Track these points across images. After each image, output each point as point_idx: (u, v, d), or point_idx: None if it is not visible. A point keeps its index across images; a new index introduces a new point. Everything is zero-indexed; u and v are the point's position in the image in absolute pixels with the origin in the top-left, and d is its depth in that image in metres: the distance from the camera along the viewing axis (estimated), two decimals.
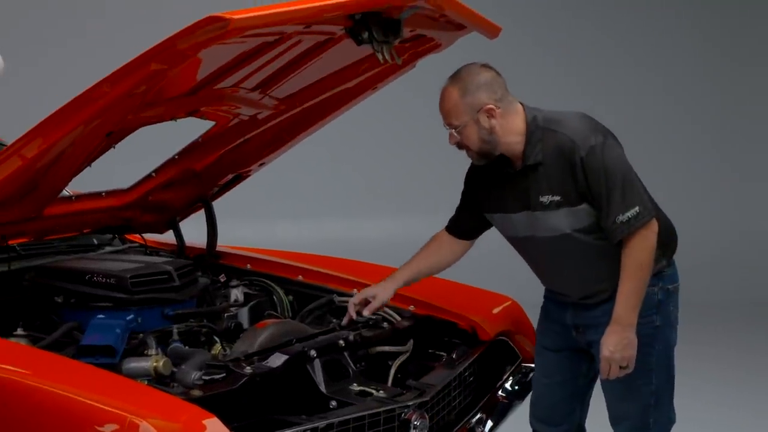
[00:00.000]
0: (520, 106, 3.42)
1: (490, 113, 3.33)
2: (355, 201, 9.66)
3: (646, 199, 3.36)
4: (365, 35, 3.18)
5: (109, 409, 2.62)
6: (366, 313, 3.66)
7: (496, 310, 4.06)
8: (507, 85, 3.41)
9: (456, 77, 3.37)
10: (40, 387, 2.76)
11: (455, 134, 3.37)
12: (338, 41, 3.36)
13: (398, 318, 3.81)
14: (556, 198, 3.34)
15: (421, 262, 3.74)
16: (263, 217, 9.47)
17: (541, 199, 3.36)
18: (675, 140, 10.64)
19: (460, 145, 3.41)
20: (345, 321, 3.69)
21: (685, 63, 10.69)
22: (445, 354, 3.79)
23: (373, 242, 8.71)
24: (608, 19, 10.57)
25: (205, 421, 2.60)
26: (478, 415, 3.76)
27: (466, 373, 3.71)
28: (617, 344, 3.32)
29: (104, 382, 2.82)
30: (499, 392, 3.93)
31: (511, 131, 3.37)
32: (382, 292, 3.69)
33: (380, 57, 3.25)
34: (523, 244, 3.53)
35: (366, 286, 4.06)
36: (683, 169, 10.59)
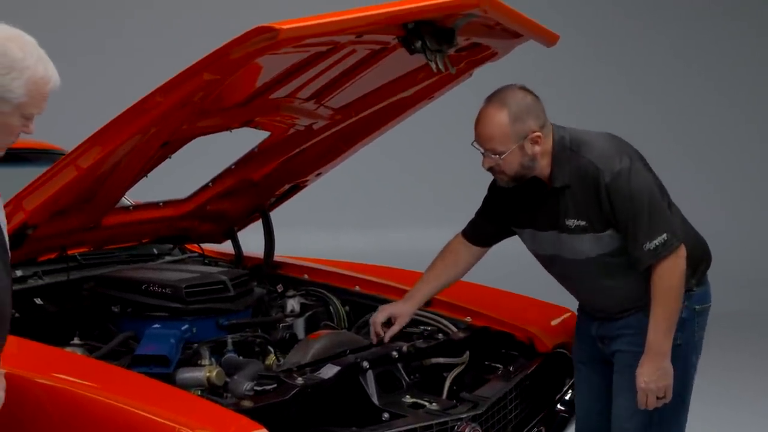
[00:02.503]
0: (551, 125, 3.34)
1: (536, 140, 3.24)
2: (421, 211, 9.65)
3: (674, 224, 3.27)
4: (418, 44, 3.15)
5: (159, 419, 2.62)
6: (387, 337, 3.59)
7: (554, 322, 4.00)
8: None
9: (501, 101, 3.24)
10: (92, 397, 2.77)
11: (497, 159, 3.25)
12: (392, 51, 3.34)
13: (454, 329, 3.78)
14: (582, 223, 3.27)
15: (441, 275, 3.68)
16: (328, 227, 9.50)
17: (568, 222, 3.30)
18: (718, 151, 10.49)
19: (494, 170, 3.31)
20: (374, 340, 3.62)
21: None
22: (501, 366, 3.74)
23: (436, 253, 8.63)
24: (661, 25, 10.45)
25: None
26: (536, 429, 3.70)
27: (523, 386, 3.66)
28: (652, 374, 3.25)
29: (155, 392, 2.83)
30: (558, 405, 3.86)
31: (545, 153, 3.29)
32: (405, 312, 3.64)
33: (433, 66, 3.22)
34: (548, 261, 3.47)
35: None
36: (724, 179, 10.43)
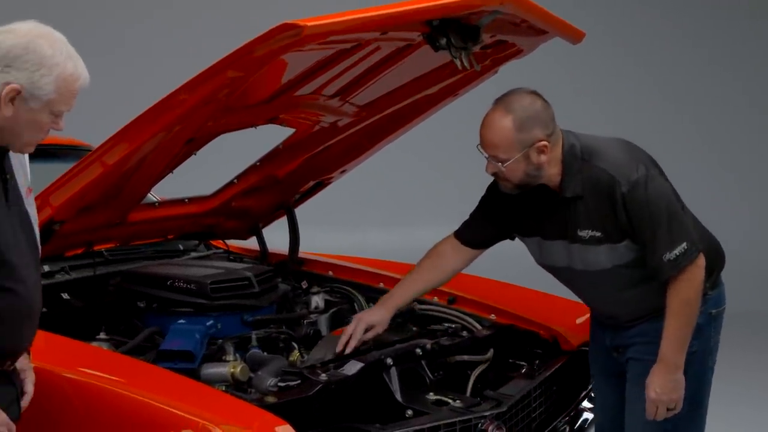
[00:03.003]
0: (560, 133, 3.22)
1: (542, 150, 3.13)
2: (446, 208, 9.61)
3: (692, 232, 3.20)
4: (443, 42, 3.13)
5: (183, 414, 2.65)
6: (358, 342, 3.42)
7: (579, 320, 3.97)
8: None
9: (507, 106, 3.13)
10: (117, 391, 2.79)
11: (500, 167, 3.15)
12: (417, 48, 3.34)
13: (478, 326, 3.77)
14: (597, 234, 3.18)
15: (419, 281, 3.54)
16: (353, 224, 9.50)
17: (580, 233, 3.20)
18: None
19: (498, 176, 3.21)
20: (344, 350, 3.39)
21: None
22: (525, 364, 3.73)
23: None
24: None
25: (277, 428, 2.61)
26: (560, 427, 3.69)
27: (548, 384, 3.65)
28: (664, 386, 3.18)
29: (180, 387, 2.85)
30: (583, 404, 3.85)
31: (553, 162, 3.18)
32: (381, 321, 3.47)
33: (458, 63, 3.21)
34: (558, 272, 3.38)
35: (448, 294, 4.05)
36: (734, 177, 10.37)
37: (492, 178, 3.32)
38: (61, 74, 2.37)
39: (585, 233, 3.20)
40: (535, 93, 3.19)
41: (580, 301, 3.61)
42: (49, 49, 2.36)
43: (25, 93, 2.35)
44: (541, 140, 3.12)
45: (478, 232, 3.52)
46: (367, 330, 3.45)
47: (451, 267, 3.55)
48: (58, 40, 2.40)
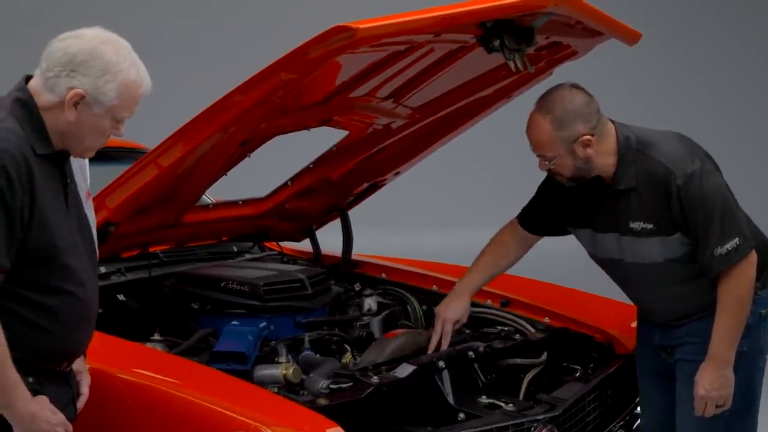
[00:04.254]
0: (611, 125, 3.24)
1: (586, 144, 3.15)
2: (501, 209, 9.57)
3: (746, 228, 3.18)
4: (496, 43, 3.13)
5: (235, 416, 2.67)
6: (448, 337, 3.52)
7: (634, 324, 3.90)
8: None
9: (547, 105, 3.17)
10: (171, 392, 2.83)
11: (549, 164, 3.21)
12: (471, 50, 3.33)
13: (532, 330, 3.75)
14: (649, 226, 3.18)
15: (485, 269, 3.62)
16: (409, 226, 9.50)
17: (632, 225, 3.21)
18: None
19: (552, 172, 3.26)
20: (438, 348, 3.48)
21: None
22: (579, 368, 3.70)
23: None
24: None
25: (328, 430, 2.63)
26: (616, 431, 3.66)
27: (602, 388, 3.61)
28: (713, 383, 3.17)
29: (233, 389, 2.87)
30: (638, 409, 3.81)
31: (605, 153, 3.20)
32: (463, 313, 3.55)
33: (512, 65, 3.20)
34: (608, 265, 3.39)
35: (501, 296, 4.02)
36: None
37: None
38: (124, 80, 2.41)
39: (637, 225, 3.21)
40: (575, 87, 3.21)
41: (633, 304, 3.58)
42: (114, 56, 2.40)
43: (88, 98, 2.39)
44: (585, 134, 3.15)
45: (535, 217, 3.57)
46: (454, 325, 3.53)
47: (514, 253, 3.63)
48: (123, 47, 2.43)
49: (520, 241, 3.61)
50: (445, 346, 3.47)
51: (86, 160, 2.72)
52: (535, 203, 3.58)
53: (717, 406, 3.21)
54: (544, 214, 3.54)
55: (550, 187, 3.48)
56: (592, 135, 3.16)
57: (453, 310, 3.55)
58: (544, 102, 3.19)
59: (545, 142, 3.17)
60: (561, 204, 3.44)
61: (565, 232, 3.54)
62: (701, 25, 10.20)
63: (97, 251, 2.68)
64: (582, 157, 3.17)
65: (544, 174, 3.42)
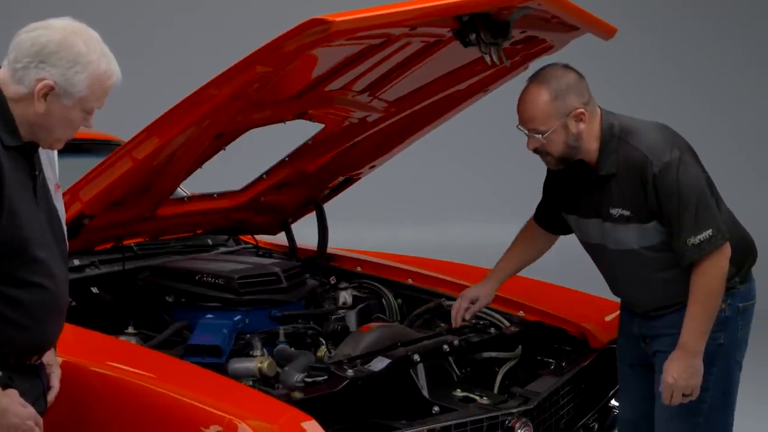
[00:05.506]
0: (599, 110, 3.29)
1: (579, 117, 3.20)
2: (479, 204, 9.61)
3: (720, 221, 3.21)
4: (472, 37, 3.13)
5: (210, 409, 2.66)
6: (469, 315, 3.62)
7: (608, 318, 3.95)
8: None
9: (542, 79, 3.22)
10: (145, 386, 2.81)
11: (540, 139, 3.21)
12: (447, 43, 3.33)
13: (506, 323, 3.76)
14: (626, 213, 3.22)
15: (517, 257, 3.67)
16: (385, 220, 9.50)
17: (611, 211, 3.25)
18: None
19: (540, 151, 3.26)
20: (455, 325, 3.64)
21: None
22: (553, 361, 3.71)
23: (496, 246, 8.63)
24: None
25: (303, 424, 2.62)
26: (589, 425, 3.67)
27: (576, 382, 3.63)
28: (682, 372, 3.19)
29: (208, 382, 2.86)
30: (612, 401, 3.83)
31: (591, 135, 3.24)
32: (485, 294, 3.64)
33: (488, 59, 3.21)
34: (594, 250, 3.43)
35: None
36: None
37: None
38: (94, 72, 2.39)
39: (615, 212, 3.25)
40: (567, 66, 3.26)
41: (610, 297, 3.60)
42: (83, 47, 2.38)
43: (58, 89, 2.36)
44: (578, 108, 3.20)
45: (546, 216, 3.61)
46: (472, 303, 3.61)
47: (539, 247, 3.69)
48: (92, 37, 2.41)
49: (542, 237, 3.67)
50: (456, 323, 3.59)
51: (55, 152, 2.70)
52: (545, 204, 3.61)
53: (684, 396, 3.23)
54: (551, 210, 3.57)
55: (549, 183, 3.54)
56: (585, 109, 3.20)
57: (474, 289, 3.65)
58: (537, 77, 3.23)
59: (540, 115, 3.19)
60: (557, 195, 3.49)
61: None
62: (676, 20, 10.25)
63: (67, 243, 2.66)
64: (574, 132, 3.20)
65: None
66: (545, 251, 3.70)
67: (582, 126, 3.20)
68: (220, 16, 9.34)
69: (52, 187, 2.59)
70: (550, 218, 3.60)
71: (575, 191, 3.38)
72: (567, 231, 3.59)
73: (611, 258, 3.36)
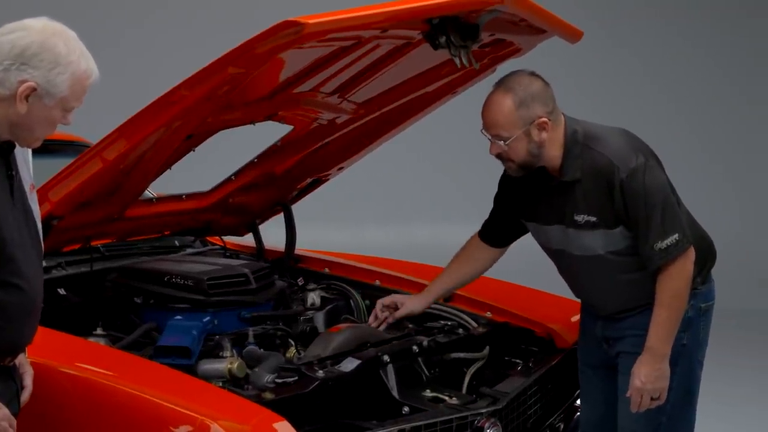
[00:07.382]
0: (563, 117, 3.30)
1: (543, 126, 3.21)
2: (445, 206, 9.64)
3: (685, 225, 3.25)
4: (442, 40, 3.16)
5: (182, 410, 2.66)
6: (389, 320, 3.67)
7: (574, 318, 3.97)
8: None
9: (507, 86, 3.22)
10: (114, 387, 2.81)
11: (502, 145, 3.22)
12: (416, 46, 3.35)
13: (474, 324, 3.78)
14: (592, 219, 3.24)
15: (453, 274, 3.70)
16: (351, 222, 9.51)
17: (576, 217, 3.26)
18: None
19: (502, 157, 3.27)
20: (370, 320, 3.71)
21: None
22: (521, 361, 3.74)
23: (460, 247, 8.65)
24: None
25: (275, 424, 2.63)
26: (555, 424, 3.70)
27: (543, 382, 3.66)
28: (649, 375, 3.22)
29: (178, 383, 2.87)
30: (577, 401, 3.86)
31: (554, 143, 3.25)
32: (412, 304, 3.67)
33: (457, 62, 3.23)
34: (555, 256, 3.45)
35: None
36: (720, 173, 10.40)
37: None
38: (75, 72, 2.41)
39: (581, 218, 3.26)
40: (533, 74, 3.27)
41: (574, 298, 3.63)
42: (64, 48, 2.39)
43: (40, 90, 2.38)
44: (542, 117, 3.20)
45: (495, 229, 3.62)
46: (396, 307, 3.69)
47: (481, 264, 3.70)
48: (71, 38, 2.43)
49: (486, 254, 3.67)
50: (375, 323, 3.68)
51: (29, 152, 2.70)
52: (495, 214, 3.62)
53: (652, 399, 3.26)
54: (504, 222, 3.58)
55: (503, 192, 3.55)
56: (548, 119, 3.21)
57: (403, 296, 3.74)
58: (504, 83, 3.23)
59: (503, 122, 3.20)
60: (513, 202, 3.49)
61: (524, 232, 3.58)
62: (643, 24, 10.34)
63: (42, 243, 2.65)
64: (537, 140, 3.21)
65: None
66: (488, 268, 3.71)
67: (545, 135, 3.21)
68: (189, 17, 9.31)
69: (27, 187, 2.58)
70: (499, 231, 3.61)
71: (535, 198, 3.38)
72: (515, 239, 3.61)
73: (575, 263, 3.37)
